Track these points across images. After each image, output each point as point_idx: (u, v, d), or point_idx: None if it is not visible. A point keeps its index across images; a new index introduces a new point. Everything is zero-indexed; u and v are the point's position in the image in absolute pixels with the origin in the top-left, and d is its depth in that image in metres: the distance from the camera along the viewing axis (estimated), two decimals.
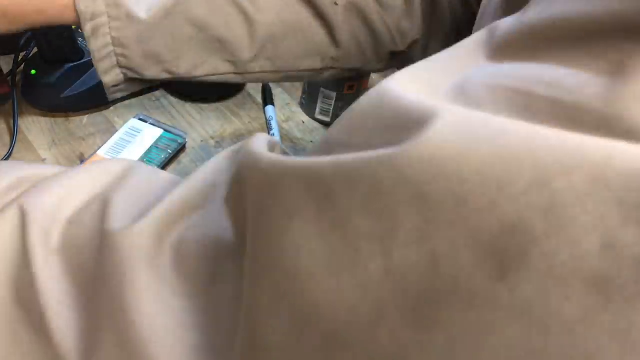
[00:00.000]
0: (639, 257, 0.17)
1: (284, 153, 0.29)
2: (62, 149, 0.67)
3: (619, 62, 0.19)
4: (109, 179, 0.34)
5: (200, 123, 0.74)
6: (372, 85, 0.57)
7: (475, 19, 0.42)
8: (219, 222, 0.28)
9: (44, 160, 0.65)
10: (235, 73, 0.54)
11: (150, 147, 0.68)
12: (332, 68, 0.56)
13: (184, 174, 0.68)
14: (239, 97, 0.79)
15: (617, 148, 0.17)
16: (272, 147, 0.28)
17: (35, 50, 0.70)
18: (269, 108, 0.76)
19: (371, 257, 0.20)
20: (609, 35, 0.20)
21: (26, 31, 0.50)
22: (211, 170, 0.31)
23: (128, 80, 0.51)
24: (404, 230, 0.19)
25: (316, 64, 0.56)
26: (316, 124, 0.77)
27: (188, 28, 0.49)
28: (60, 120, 0.70)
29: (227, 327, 0.27)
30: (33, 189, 0.33)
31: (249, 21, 0.51)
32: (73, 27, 0.67)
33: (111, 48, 0.48)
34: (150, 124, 0.71)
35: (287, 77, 0.57)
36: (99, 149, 0.67)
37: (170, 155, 0.68)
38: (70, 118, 0.70)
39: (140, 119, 0.71)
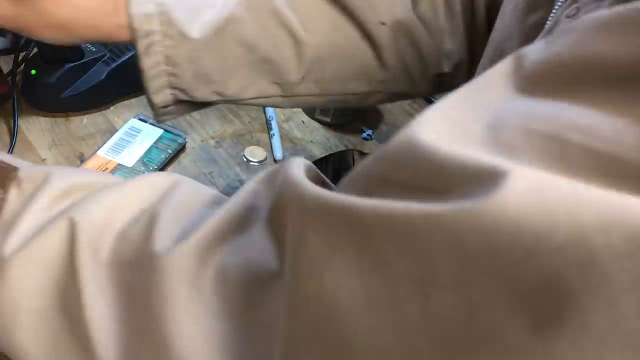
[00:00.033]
0: None
1: (323, 182, 0.29)
2: (62, 149, 0.67)
3: None
4: (156, 193, 0.34)
5: (200, 123, 0.74)
6: None
7: None
8: (260, 246, 0.29)
9: (44, 160, 0.65)
10: (282, 96, 0.53)
11: (150, 147, 0.68)
12: (378, 92, 0.55)
13: (184, 174, 0.68)
14: None
15: None
16: (308, 172, 0.28)
17: (35, 50, 0.70)
18: (269, 108, 0.76)
19: (409, 299, 0.20)
20: None
21: None
22: (249, 193, 0.31)
23: (178, 102, 0.51)
24: (442, 275, 0.19)
25: (362, 87, 0.55)
26: (316, 124, 0.77)
27: (237, 48, 0.49)
28: (60, 120, 0.70)
29: (262, 352, 0.27)
30: (82, 201, 0.34)
31: (297, 42, 0.50)
32: None
33: (163, 67, 0.47)
34: (150, 123, 0.71)
35: (332, 100, 0.56)
36: (99, 148, 0.67)
37: (170, 155, 0.68)
38: (70, 118, 0.70)
39: (140, 119, 0.71)
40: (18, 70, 0.71)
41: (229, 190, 0.67)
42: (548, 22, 0.32)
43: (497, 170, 0.18)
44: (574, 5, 0.28)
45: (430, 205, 0.20)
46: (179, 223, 0.31)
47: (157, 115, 0.52)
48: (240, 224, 0.30)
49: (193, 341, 0.28)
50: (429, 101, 0.78)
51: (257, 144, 0.72)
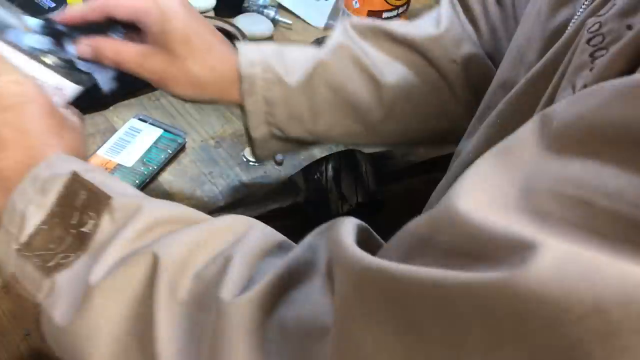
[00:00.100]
0: None
1: (372, 241, 0.32)
2: None
3: None
4: (232, 237, 0.37)
5: (200, 123, 0.74)
6: None
7: None
8: (318, 299, 0.31)
9: None
10: (366, 135, 0.59)
11: (150, 147, 0.68)
12: (461, 128, 0.58)
13: (184, 174, 0.68)
14: None
15: None
16: (360, 232, 0.31)
17: None
18: None
19: None
20: None
21: None
22: (307, 247, 0.34)
23: (275, 138, 0.57)
24: (473, 341, 0.21)
25: (443, 123, 0.58)
26: None
27: (325, 91, 0.55)
28: None
29: None
30: (165, 238, 0.37)
31: (378, 86, 0.56)
32: None
33: (262, 106, 0.55)
34: (150, 123, 0.71)
35: (415, 139, 0.61)
36: (98, 148, 0.67)
37: (170, 155, 0.68)
38: None
39: (140, 119, 0.71)
40: None
41: (229, 190, 0.67)
42: (570, 25, 0.33)
43: (526, 243, 0.20)
44: (599, 31, 0.29)
45: (464, 274, 0.22)
46: (247, 268, 0.35)
47: (257, 150, 0.58)
48: (300, 276, 0.33)
49: None
50: None
51: None
